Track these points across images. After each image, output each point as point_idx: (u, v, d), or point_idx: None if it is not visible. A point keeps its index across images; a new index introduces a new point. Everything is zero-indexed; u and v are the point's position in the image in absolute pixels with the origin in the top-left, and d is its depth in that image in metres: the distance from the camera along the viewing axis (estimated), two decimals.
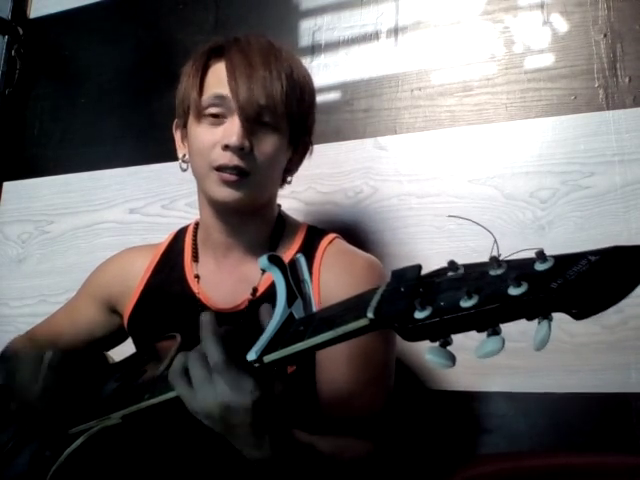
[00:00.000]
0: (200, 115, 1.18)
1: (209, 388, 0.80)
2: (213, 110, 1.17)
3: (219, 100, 1.16)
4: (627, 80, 1.50)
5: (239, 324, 1.20)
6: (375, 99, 1.76)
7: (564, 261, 0.55)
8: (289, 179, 1.33)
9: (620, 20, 1.53)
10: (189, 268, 1.33)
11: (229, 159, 1.14)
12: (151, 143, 2.06)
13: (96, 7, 2.28)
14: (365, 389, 1.13)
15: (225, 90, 1.15)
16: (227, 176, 1.15)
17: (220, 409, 0.80)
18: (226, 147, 1.14)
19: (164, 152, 1.93)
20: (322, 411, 1.14)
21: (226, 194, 1.17)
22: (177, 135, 1.32)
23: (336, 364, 1.13)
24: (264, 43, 1.21)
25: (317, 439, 0.94)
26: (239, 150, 1.13)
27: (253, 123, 1.15)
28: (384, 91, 1.75)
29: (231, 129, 1.14)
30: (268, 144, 1.18)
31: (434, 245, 1.61)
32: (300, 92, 1.21)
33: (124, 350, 1.44)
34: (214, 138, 1.16)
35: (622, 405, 1.38)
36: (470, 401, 1.51)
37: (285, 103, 1.17)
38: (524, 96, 1.59)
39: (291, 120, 1.21)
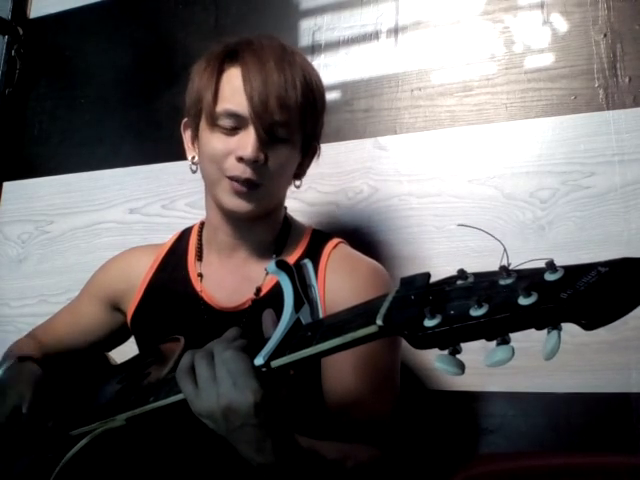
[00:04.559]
0: (214, 123, 1.17)
1: (213, 388, 0.80)
2: (227, 123, 1.16)
3: (234, 117, 1.15)
4: (627, 80, 1.50)
5: (242, 323, 1.21)
6: (375, 99, 1.76)
7: (574, 272, 0.55)
8: (297, 183, 1.33)
9: (620, 20, 1.53)
10: (192, 267, 1.34)
11: (242, 171, 1.14)
12: (151, 143, 2.05)
13: (96, 7, 2.27)
14: (371, 395, 1.13)
15: (241, 108, 1.14)
16: (239, 187, 1.15)
17: (222, 409, 0.80)
18: (240, 159, 1.13)
19: (164, 152, 1.94)
20: (329, 417, 1.14)
21: (237, 204, 1.17)
22: (186, 135, 1.31)
23: (342, 371, 1.13)
24: (277, 47, 1.19)
25: (321, 444, 0.94)
26: (253, 163, 1.13)
27: (268, 136, 1.14)
28: (384, 91, 1.76)
29: (246, 141, 1.13)
30: (282, 156, 1.18)
31: (434, 245, 1.61)
32: (313, 99, 1.21)
33: (124, 350, 1.44)
34: (228, 147, 1.16)
35: (622, 405, 1.38)
36: (470, 401, 1.51)
37: (300, 114, 1.17)
38: (524, 96, 1.59)
39: (304, 129, 1.21)
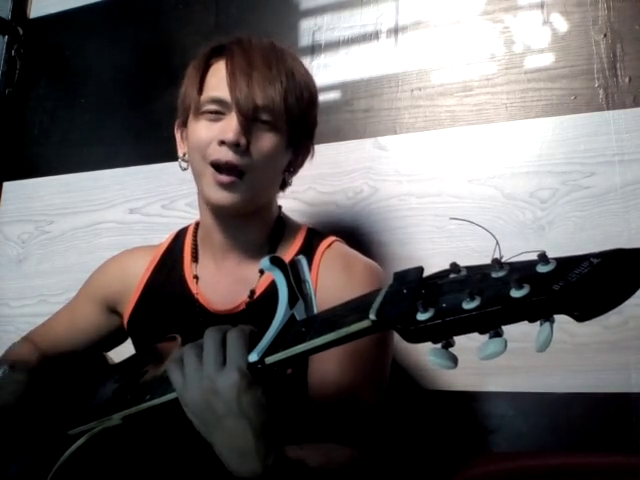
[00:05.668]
0: (199, 112, 1.19)
1: (198, 375, 0.80)
2: (211, 107, 1.17)
3: (217, 103, 1.17)
4: (627, 80, 1.50)
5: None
6: (375, 99, 1.76)
7: (566, 263, 0.55)
8: (289, 181, 1.33)
9: (620, 20, 1.53)
10: (188, 269, 1.33)
11: (224, 154, 1.14)
12: (151, 143, 2.06)
13: (96, 7, 2.28)
14: (356, 388, 1.11)
15: (224, 93, 1.16)
16: (222, 178, 1.15)
17: (205, 393, 0.79)
18: (222, 143, 1.14)
19: (164, 152, 1.94)
20: (312, 410, 1.12)
21: (221, 197, 1.17)
22: (178, 134, 1.32)
23: (327, 362, 1.12)
24: (266, 43, 1.22)
25: (306, 453, 0.92)
26: (235, 146, 1.13)
27: (251, 121, 1.15)
28: (384, 91, 1.76)
29: (228, 125, 1.14)
30: (265, 142, 1.17)
31: (434, 245, 1.61)
32: (300, 92, 1.21)
33: (123, 351, 1.44)
34: (211, 134, 1.16)
35: (622, 405, 1.38)
36: (470, 401, 1.51)
37: (284, 102, 1.17)
38: (524, 96, 1.59)
39: (290, 120, 1.20)
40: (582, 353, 1.42)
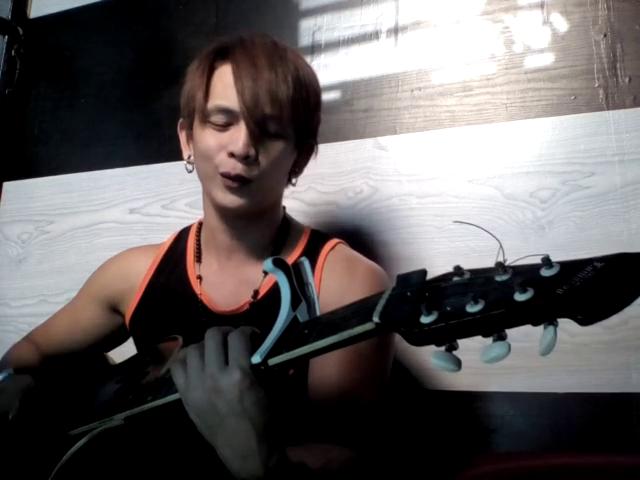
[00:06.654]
0: (206, 120, 1.17)
1: (201, 374, 0.79)
2: (219, 119, 1.16)
3: (225, 113, 1.15)
4: (627, 80, 1.50)
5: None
6: (375, 99, 1.76)
7: (570, 267, 0.55)
8: (294, 181, 1.32)
9: (620, 20, 1.53)
10: (192, 269, 1.33)
11: (232, 167, 1.13)
12: (151, 143, 2.05)
13: (96, 7, 2.27)
14: (356, 388, 1.11)
15: (231, 103, 1.14)
16: (230, 182, 1.14)
17: (208, 392, 0.78)
18: (232, 155, 1.13)
19: (164, 152, 1.95)
20: (312, 410, 1.12)
21: (230, 200, 1.16)
22: (182, 135, 1.30)
23: (327, 363, 1.11)
24: (269, 44, 1.19)
25: (306, 455, 0.91)
26: (244, 159, 1.13)
27: (259, 131, 1.14)
28: (384, 91, 1.76)
29: (237, 136, 1.13)
30: (274, 151, 1.17)
31: (434, 245, 1.61)
32: (306, 94, 1.19)
33: (124, 351, 1.44)
34: (220, 142, 1.15)
35: (622, 405, 1.38)
36: (470, 401, 1.51)
37: (291, 108, 1.15)
38: (524, 96, 1.59)
39: (297, 124, 1.19)
40: (582, 353, 1.42)
